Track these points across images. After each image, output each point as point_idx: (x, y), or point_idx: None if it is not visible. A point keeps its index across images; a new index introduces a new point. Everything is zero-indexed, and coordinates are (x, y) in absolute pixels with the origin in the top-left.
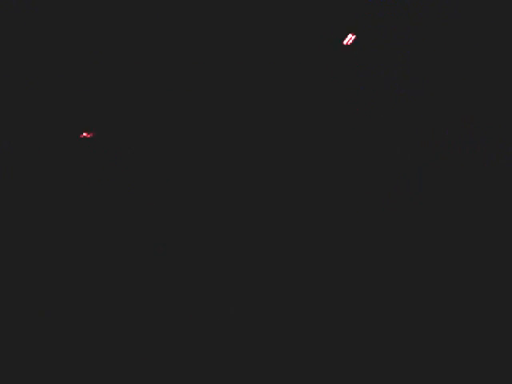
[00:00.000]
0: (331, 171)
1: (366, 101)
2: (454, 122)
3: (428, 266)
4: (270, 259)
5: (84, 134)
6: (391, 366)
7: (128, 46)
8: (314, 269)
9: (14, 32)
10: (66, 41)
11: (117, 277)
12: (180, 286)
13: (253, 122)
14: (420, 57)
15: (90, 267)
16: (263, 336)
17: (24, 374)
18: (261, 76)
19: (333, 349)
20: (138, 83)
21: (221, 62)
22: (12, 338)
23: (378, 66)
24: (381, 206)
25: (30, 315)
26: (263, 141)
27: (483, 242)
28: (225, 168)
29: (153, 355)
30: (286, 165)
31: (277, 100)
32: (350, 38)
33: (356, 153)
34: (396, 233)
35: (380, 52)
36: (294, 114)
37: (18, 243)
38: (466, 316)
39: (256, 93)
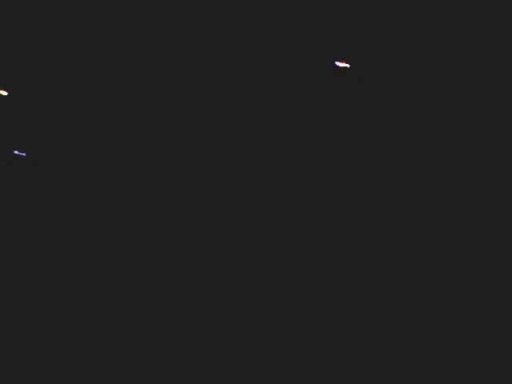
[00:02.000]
0: (332, 171)
1: (365, 101)
2: (453, 121)
3: (428, 266)
4: (270, 259)
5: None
6: (391, 366)
7: (126, 45)
8: (314, 268)
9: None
10: (65, 39)
11: (115, 277)
12: (180, 287)
13: (253, 123)
14: (420, 57)
15: (87, 267)
16: (263, 336)
17: (24, 374)
18: (261, 76)
19: (333, 348)
20: (136, 83)
21: (221, 65)
22: (12, 338)
23: (378, 67)
24: (380, 207)
25: (30, 315)
26: (263, 141)
27: (483, 243)
28: (224, 168)
29: (153, 355)
30: (287, 165)
31: (277, 100)
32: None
33: (356, 153)
34: (396, 233)
35: (380, 53)
36: (294, 115)
37: (17, 242)
38: (466, 316)
39: (255, 93)
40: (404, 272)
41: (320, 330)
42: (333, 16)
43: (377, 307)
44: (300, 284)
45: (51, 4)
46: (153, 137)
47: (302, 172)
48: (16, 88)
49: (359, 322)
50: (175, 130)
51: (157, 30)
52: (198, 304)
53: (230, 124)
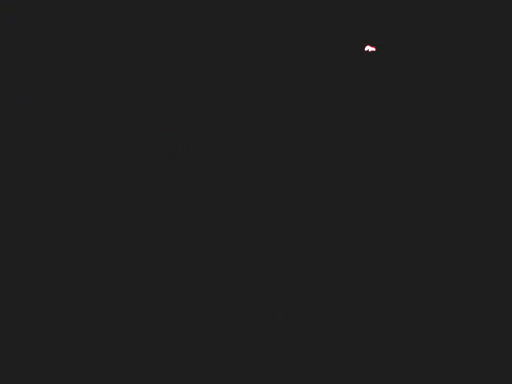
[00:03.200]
0: (332, 171)
1: (365, 101)
2: (453, 121)
3: (428, 267)
4: (270, 259)
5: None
6: (391, 366)
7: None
8: (314, 268)
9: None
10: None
11: (115, 277)
12: (180, 287)
13: (253, 123)
14: (421, 58)
15: (86, 267)
16: (263, 336)
17: (24, 374)
18: (263, 77)
19: (333, 349)
20: (137, 83)
21: (222, 64)
22: (12, 338)
23: (378, 68)
24: (380, 207)
25: (30, 315)
26: (264, 141)
27: (483, 244)
28: (224, 168)
29: (153, 355)
30: (288, 165)
31: (278, 100)
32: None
33: (357, 153)
34: (396, 233)
35: (381, 54)
36: (295, 115)
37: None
38: (466, 317)
39: (258, 94)
40: (404, 272)
41: (320, 330)
42: (334, 16)
43: (377, 307)
44: (300, 284)
45: (51, 4)
46: (153, 137)
47: (304, 172)
48: (15, 88)
49: (359, 322)
50: (175, 129)
51: (157, 29)
52: (198, 304)
53: (231, 124)
